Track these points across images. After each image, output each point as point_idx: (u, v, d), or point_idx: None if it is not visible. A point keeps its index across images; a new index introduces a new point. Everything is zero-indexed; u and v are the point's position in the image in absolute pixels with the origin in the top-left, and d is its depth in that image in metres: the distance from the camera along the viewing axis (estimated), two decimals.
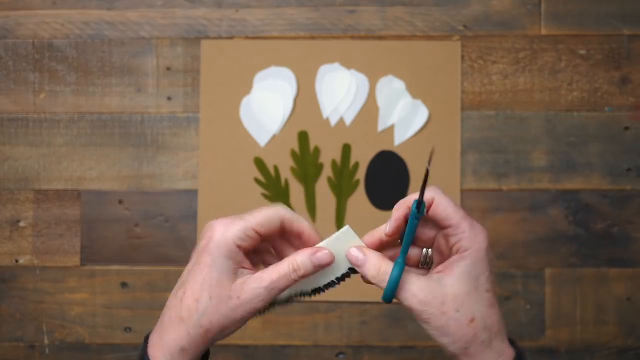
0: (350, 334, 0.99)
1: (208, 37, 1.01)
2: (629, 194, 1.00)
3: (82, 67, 1.02)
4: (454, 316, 0.47)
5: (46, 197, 1.01)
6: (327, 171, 1.00)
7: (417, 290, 0.47)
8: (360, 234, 0.53)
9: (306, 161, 1.00)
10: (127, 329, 1.00)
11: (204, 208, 1.00)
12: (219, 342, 0.50)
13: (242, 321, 0.49)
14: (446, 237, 0.49)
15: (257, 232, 0.50)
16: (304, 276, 0.49)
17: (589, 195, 1.00)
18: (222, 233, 0.49)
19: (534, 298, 0.99)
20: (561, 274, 0.99)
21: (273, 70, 1.01)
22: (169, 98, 1.01)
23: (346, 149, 1.00)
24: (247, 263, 0.50)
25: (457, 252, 0.47)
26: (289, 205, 1.00)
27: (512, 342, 0.50)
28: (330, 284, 0.52)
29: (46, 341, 1.01)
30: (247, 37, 1.01)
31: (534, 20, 1.01)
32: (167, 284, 1.00)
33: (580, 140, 1.00)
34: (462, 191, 1.00)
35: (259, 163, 1.00)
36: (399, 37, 1.01)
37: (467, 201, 1.00)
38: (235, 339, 0.97)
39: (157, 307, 1.00)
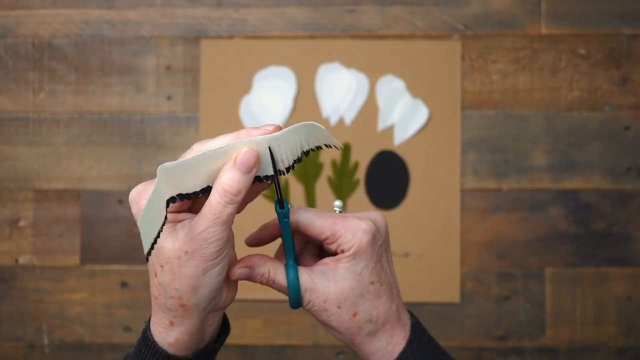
0: None
1: (208, 37, 1.01)
2: (629, 193, 1.00)
3: (82, 67, 1.02)
4: (336, 312, 0.48)
5: (46, 196, 1.01)
6: (327, 171, 1.00)
7: (302, 289, 0.48)
8: None
9: (306, 161, 1.00)
10: (127, 329, 1.00)
11: None
12: None
13: (212, 276, 0.44)
14: (328, 246, 0.49)
15: None
16: (240, 192, 0.43)
17: (589, 194, 1.00)
18: (137, 204, 0.46)
19: (534, 297, 0.99)
20: (561, 273, 0.99)
21: (273, 69, 1.01)
22: (168, 97, 1.01)
23: (346, 149, 1.00)
24: (185, 214, 0.45)
25: (341, 252, 0.48)
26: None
27: (414, 324, 0.50)
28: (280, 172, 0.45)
29: (46, 341, 1.01)
30: (247, 37, 1.01)
31: (534, 19, 1.01)
32: None
33: (580, 139, 1.00)
34: (462, 191, 1.00)
35: None
36: (399, 36, 1.01)
37: (467, 201, 1.00)
38: (235, 338, 0.97)
39: None
